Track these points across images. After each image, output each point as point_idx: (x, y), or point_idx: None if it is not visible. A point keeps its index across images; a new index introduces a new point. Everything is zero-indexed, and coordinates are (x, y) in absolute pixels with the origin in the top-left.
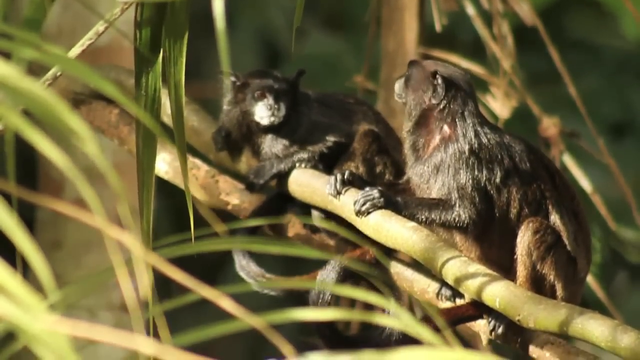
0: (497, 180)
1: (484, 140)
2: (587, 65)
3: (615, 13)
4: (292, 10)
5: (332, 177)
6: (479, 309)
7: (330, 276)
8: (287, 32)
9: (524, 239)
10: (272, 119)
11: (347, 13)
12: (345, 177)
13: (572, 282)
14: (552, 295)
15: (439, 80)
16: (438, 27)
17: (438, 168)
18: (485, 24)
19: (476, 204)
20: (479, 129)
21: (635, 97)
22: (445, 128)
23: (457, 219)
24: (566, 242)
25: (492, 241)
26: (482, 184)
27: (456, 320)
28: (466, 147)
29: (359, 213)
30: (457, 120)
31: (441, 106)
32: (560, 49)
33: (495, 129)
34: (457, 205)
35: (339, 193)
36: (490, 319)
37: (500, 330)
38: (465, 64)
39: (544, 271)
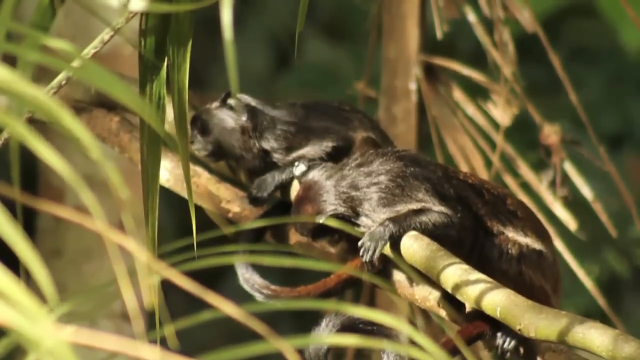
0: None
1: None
2: (586, 75)
3: (615, 23)
4: (290, 17)
5: None
6: (487, 323)
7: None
8: (287, 40)
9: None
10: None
11: (346, 22)
12: None
13: (551, 269)
14: (544, 293)
15: None
16: (439, 35)
17: None
18: (487, 31)
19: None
20: None
21: (635, 108)
22: None
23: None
24: (520, 240)
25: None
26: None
27: (469, 341)
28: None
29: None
30: None
31: None
32: (560, 59)
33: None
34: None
35: None
36: (501, 335)
37: (511, 346)
38: (466, 71)
39: (528, 276)
